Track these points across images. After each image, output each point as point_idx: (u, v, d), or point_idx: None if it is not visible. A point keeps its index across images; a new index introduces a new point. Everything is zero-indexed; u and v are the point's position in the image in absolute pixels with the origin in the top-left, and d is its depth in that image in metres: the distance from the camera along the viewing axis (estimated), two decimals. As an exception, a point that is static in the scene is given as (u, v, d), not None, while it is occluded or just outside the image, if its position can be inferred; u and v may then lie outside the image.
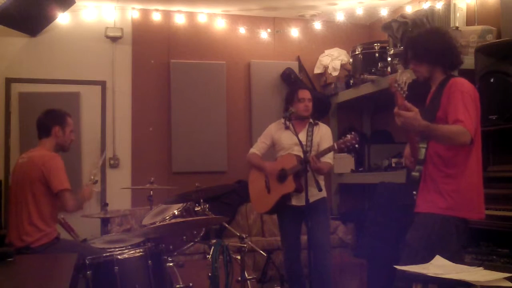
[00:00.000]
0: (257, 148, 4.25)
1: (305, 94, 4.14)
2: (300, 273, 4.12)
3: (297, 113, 4.02)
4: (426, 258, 2.30)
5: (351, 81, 5.57)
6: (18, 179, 3.63)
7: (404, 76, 2.49)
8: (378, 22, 6.04)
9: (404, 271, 2.19)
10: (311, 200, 3.77)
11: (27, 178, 3.54)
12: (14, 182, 3.69)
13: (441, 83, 2.80)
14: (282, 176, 4.00)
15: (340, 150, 3.95)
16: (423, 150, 2.77)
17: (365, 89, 5.27)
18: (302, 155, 3.75)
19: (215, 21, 6.01)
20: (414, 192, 2.78)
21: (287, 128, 4.09)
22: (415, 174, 2.76)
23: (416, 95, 3.04)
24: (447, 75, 2.82)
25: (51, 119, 3.70)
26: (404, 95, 2.50)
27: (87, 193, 3.75)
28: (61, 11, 5.24)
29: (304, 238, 3.91)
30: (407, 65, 2.97)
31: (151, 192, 4.26)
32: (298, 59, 6.23)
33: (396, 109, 2.52)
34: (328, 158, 4.02)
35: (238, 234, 3.10)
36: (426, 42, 2.83)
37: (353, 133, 3.80)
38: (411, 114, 2.49)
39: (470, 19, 4.64)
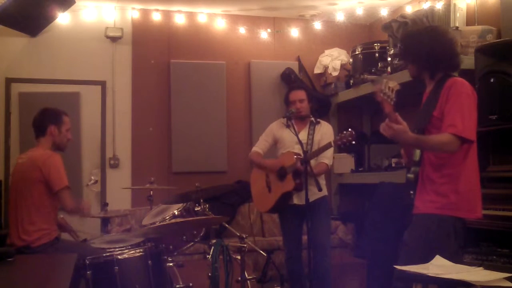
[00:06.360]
0: (259, 146, 4.25)
1: (295, 95, 4.13)
2: (301, 273, 4.11)
3: (296, 113, 4.02)
4: (424, 258, 2.30)
5: (351, 81, 5.57)
6: (17, 179, 3.64)
7: (391, 84, 2.48)
8: (378, 22, 6.04)
9: (402, 271, 2.19)
10: (312, 199, 3.76)
11: (27, 178, 3.54)
12: (13, 182, 3.70)
13: (438, 82, 2.74)
14: (281, 174, 4.01)
15: (337, 147, 3.93)
16: (418, 152, 2.77)
17: (365, 89, 5.27)
18: (302, 154, 3.74)
19: (215, 21, 6.01)
20: (411, 192, 2.76)
21: (287, 126, 4.09)
22: (410, 176, 2.76)
23: (410, 97, 3.05)
24: (445, 75, 2.74)
25: (46, 118, 3.70)
26: (392, 103, 2.49)
27: (85, 204, 3.76)
28: (61, 11, 5.23)
29: (304, 237, 3.91)
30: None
31: (151, 192, 4.26)
32: (298, 59, 6.23)
33: (386, 122, 2.52)
34: (326, 158, 4.01)
35: (238, 234, 3.10)
36: (412, 43, 2.80)
37: (349, 129, 3.77)
38: (400, 127, 2.51)
39: (470, 19, 4.63)
